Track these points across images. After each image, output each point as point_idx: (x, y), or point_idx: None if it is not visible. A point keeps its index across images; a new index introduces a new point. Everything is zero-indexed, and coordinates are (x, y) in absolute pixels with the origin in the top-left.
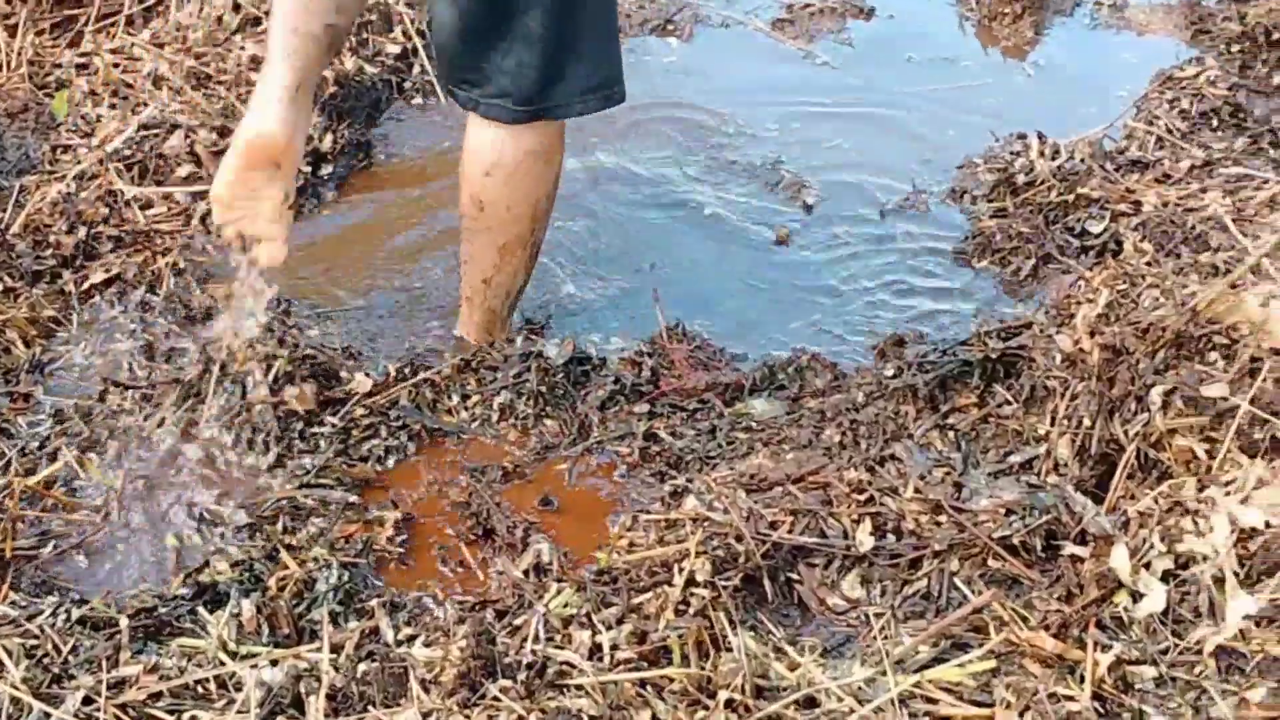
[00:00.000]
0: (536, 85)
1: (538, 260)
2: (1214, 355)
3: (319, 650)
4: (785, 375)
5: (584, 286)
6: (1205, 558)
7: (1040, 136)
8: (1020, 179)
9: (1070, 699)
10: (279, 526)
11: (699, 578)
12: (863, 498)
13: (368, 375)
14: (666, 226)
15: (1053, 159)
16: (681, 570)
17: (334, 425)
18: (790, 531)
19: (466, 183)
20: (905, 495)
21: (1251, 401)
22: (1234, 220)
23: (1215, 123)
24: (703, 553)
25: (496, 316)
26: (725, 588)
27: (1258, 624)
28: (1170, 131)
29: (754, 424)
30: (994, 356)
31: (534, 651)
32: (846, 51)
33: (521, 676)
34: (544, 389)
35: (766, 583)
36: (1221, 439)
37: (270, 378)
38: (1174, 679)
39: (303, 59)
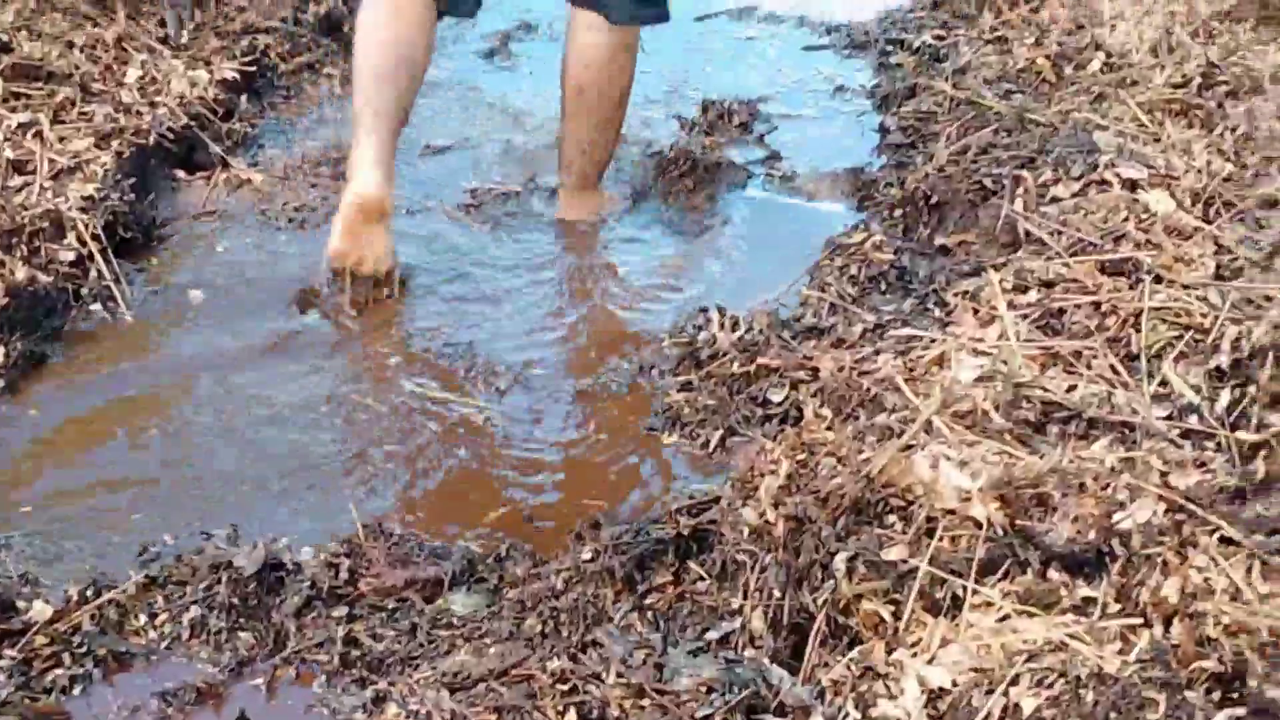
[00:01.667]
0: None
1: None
2: (892, 518)
3: None
4: (485, 566)
5: (274, 487)
6: None
7: (720, 310)
8: (704, 353)
9: None
10: None
11: None
12: (566, 687)
13: (47, 602)
14: (360, 417)
15: (733, 331)
16: None
17: (13, 658)
18: None
19: (570, 75)
20: (609, 681)
21: (930, 562)
22: (906, 380)
23: (884, 286)
24: None
25: (589, 179)
26: None
27: None
28: (842, 297)
29: (455, 619)
30: (685, 533)
31: None
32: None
33: None
34: (236, 600)
35: None
36: (905, 600)
37: None
38: None
39: (385, 131)
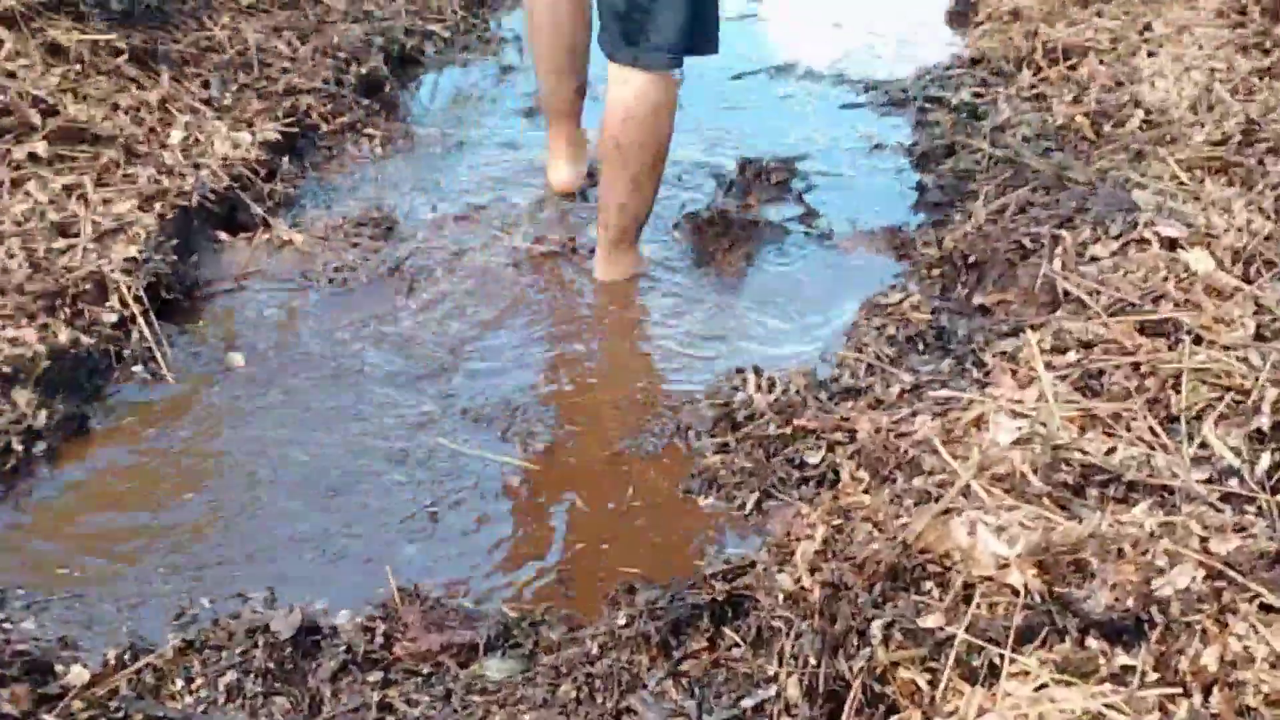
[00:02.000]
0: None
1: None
2: (928, 584)
3: None
4: (520, 631)
5: (310, 549)
6: None
7: (756, 370)
8: (740, 414)
9: None
10: None
11: None
12: None
13: (85, 666)
14: (397, 478)
15: (769, 392)
16: None
17: None
18: None
19: (607, 129)
20: None
21: (967, 629)
22: (944, 442)
23: (921, 346)
24: None
25: (626, 236)
26: None
27: None
28: (879, 358)
29: (490, 685)
30: (720, 598)
31: None
32: (572, 289)
33: None
34: (272, 664)
35: None
36: (942, 668)
37: None
38: None
39: (565, 121)
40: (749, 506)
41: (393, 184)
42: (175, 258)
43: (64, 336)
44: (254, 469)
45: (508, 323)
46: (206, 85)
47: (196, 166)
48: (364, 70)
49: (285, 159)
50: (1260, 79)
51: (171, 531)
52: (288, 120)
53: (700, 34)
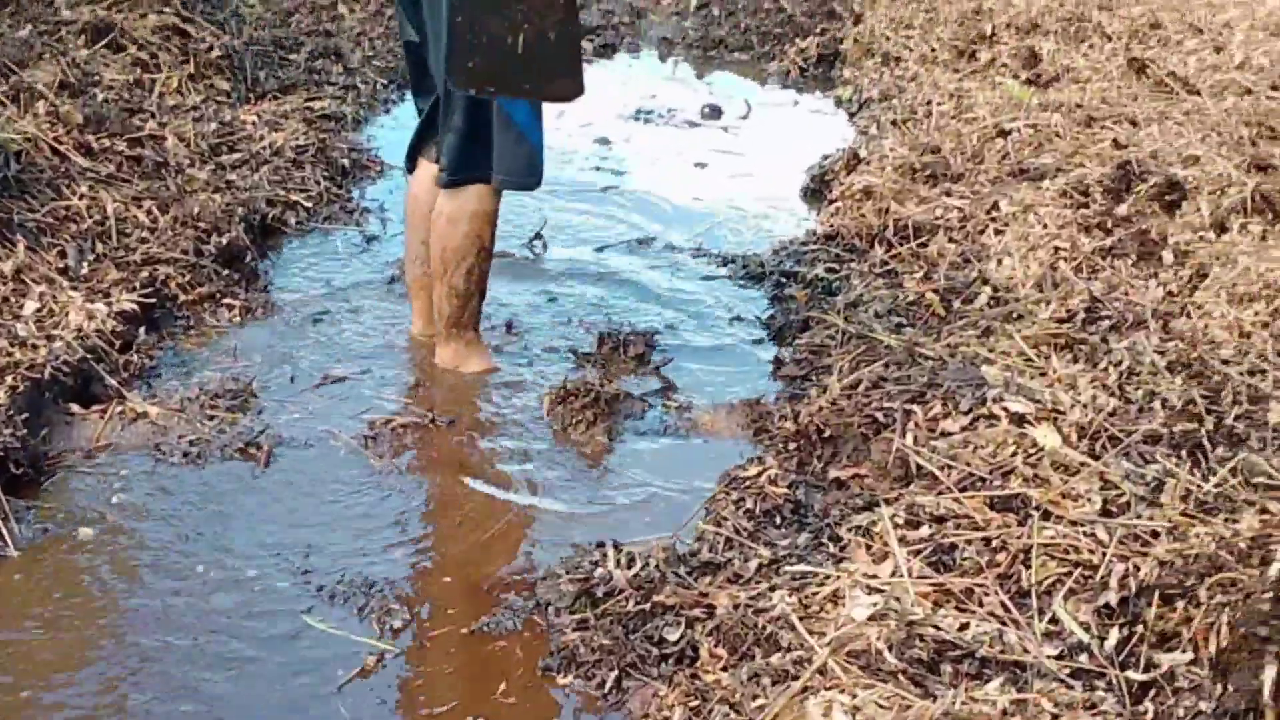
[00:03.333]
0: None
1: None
2: None
3: None
4: None
5: None
6: None
7: (616, 545)
8: (600, 590)
9: None
10: None
11: None
12: None
13: None
14: (246, 656)
15: (629, 567)
16: None
17: None
18: None
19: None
20: None
21: None
22: (801, 618)
23: (779, 520)
24: None
25: (459, 325)
26: None
27: None
28: (738, 531)
29: None
30: None
31: None
32: (432, 462)
33: None
34: None
35: None
36: None
37: None
38: None
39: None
40: (608, 685)
41: (251, 354)
42: (25, 431)
43: None
44: (98, 647)
45: (365, 497)
46: (63, 255)
47: (50, 338)
48: (224, 240)
49: (142, 329)
50: (1103, 258)
51: (8, 714)
52: (145, 290)
53: (478, 163)
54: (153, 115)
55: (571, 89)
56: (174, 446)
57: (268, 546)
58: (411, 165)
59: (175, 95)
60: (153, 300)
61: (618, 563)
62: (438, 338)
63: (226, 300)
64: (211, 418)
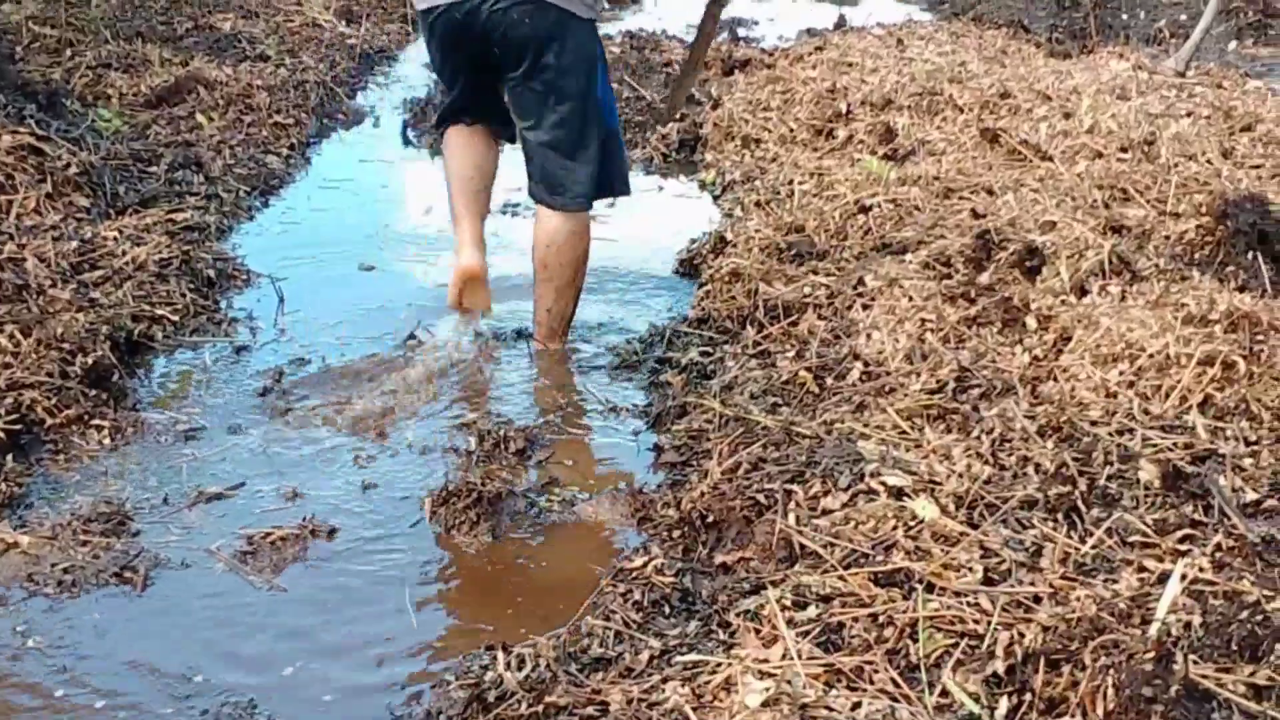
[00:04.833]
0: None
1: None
2: None
3: None
4: None
5: None
6: None
7: (505, 647)
8: (491, 694)
9: None
10: None
11: None
12: None
13: None
14: None
15: (519, 669)
16: None
17: None
18: None
19: (536, 253)
20: None
21: None
22: (694, 709)
23: (668, 609)
24: None
25: (555, 333)
26: None
27: None
28: (627, 624)
29: None
30: None
31: None
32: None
33: None
34: None
35: None
36: None
37: None
38: None
39: (473, 217)
40: None
41: (123, 476)
42: None
43: None
44: None
45: (246, 615)
46: None
47: None
48: (90, 360)
49: (9, 457)
50: (969, 327)
51: None
52: (11, 417)
53: (607, 183)
54: (11, 237)
55: None
56: (47, 576)
57: (149, 672)
58: (441, 126)
59: (33, 215)
60: (19, 426)
61: (508, 665)
62: (546, 332)
63: (95, 421)
64: (85, 544)
